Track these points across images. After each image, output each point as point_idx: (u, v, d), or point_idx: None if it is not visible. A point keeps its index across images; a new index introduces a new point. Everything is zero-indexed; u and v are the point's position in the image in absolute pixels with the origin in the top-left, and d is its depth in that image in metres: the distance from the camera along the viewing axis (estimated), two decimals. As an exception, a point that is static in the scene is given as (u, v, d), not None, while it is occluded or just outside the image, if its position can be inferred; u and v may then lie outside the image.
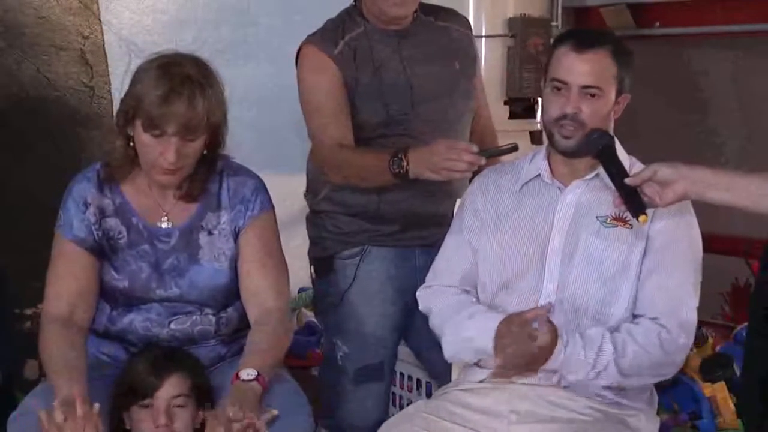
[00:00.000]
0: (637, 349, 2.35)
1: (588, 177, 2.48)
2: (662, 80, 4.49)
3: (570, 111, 2.40)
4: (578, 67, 2.41)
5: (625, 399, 2.42)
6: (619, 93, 2.45)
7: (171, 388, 2.36)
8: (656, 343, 2.36)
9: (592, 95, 2.41)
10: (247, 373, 2.30)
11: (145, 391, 2.35)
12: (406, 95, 2.83)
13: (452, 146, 2.54)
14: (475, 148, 2.52)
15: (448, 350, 2.50)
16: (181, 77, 2.36)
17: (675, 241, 2.43)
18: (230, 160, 2.56)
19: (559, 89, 2.43)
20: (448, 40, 2.93)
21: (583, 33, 2.57)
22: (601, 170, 2.41)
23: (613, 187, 2.33)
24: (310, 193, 3.00)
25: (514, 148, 2.56)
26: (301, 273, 3.06)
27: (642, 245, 2.42)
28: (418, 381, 3.34)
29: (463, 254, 2.58)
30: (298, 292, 4.05)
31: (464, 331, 2.46)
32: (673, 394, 3.11)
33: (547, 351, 2.32)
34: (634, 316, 2.42)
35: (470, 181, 2.71)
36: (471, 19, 3.22)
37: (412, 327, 2.94)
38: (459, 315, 2.49)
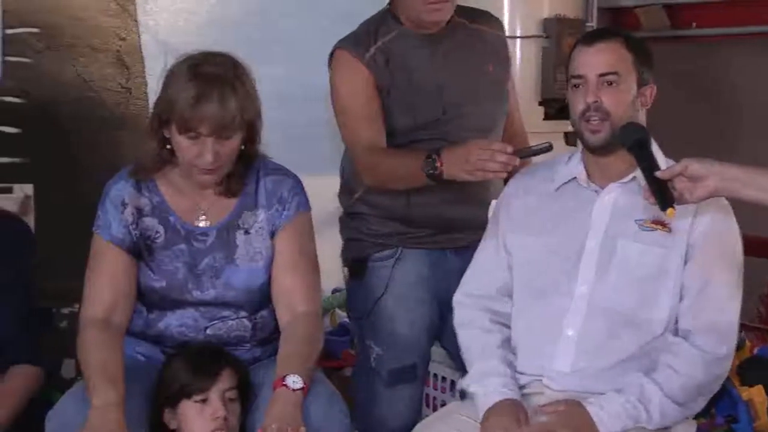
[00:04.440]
0: (684, 380, 2.33)
1: (625, 180, 2.47)
2: (698, 82, 4.46)
3: (590, 100, 2.40)
4: (591, 58, 2.42)
5: None
6: (641, 83, 2.44)
7: (224, 382, 2.39)
8: (700, 367, 2.35)
9: (610, 83, 2.41)
10: (293, 381, 2.31)
11: (201, 386, 2.37)
12: (440, 99, 2.82)
13: (486, 146, 2.53)
14: (509, 149, 2.52)
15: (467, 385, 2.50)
16: (211, 77, 2.37)
17: (716, 245, 2.41)
18: (267, 159, 2.57)
19: (577, 86, 2.43)
20: (482, 43, 2.92)
21: (595, 30, 2.57)
22: (638, 173, 2.39)
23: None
24: (345, 194, 3.01)
25: (549, 148, 2.55)
26: (334, 274, 3.07)
27: (681, 249, 2.40)
28: (452, 382, 3.33)
29: (498, 259, 2.57)
30: (332, 293, 4.06)
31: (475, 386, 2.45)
32: (711, 399, 3.09)
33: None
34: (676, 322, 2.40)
35: (505, 183, 2.71)
36: (505, 20, 3.23)
37: (446, 328, 2.94)
38: (479, 363, 2.48)
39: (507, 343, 2.50)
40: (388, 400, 2.94)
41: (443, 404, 3.18)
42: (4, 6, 3.74)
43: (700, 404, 2.42)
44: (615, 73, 2.41)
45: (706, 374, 2.36)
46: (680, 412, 2.36)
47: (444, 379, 3.36)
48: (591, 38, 2.46)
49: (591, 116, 2.41)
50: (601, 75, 2.40)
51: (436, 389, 3.39)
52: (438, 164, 2.57)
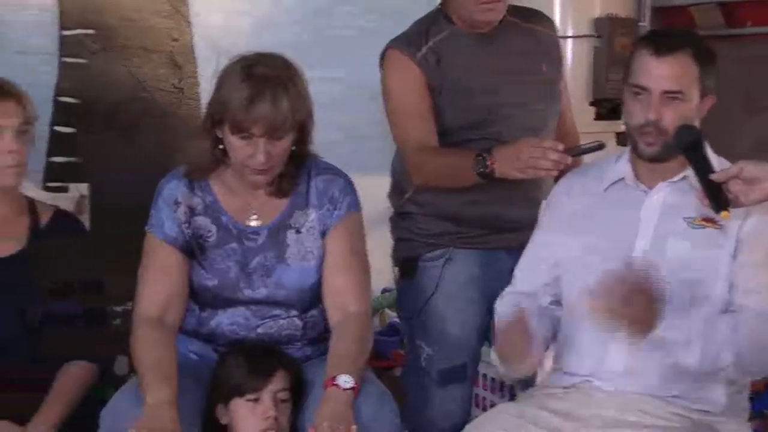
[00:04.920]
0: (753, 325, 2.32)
1: (675, 179, 2.45)
2: (753, 82, 4.40)
3: (652, 118, 2.37)
4: (658, 73, 2.36)
5: (709, 405, 2.39)
6: (703, 95, 2.41)
7: (277, 382, 2.40)
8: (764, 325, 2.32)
9: (674, 98, 2.37)
10: (345, 381, 2.32)
11: (254, 386, 2.39)
12: (492, 99, 2.82)
13: (538, 144, 2.52)
14: (561, 146, 2.51)
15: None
16: (264, 78, 2.38)
17: (766, 242, 2.39)
18: (319, 159, 2.58)
19: (639, 94, 2.40)
20: (534, 43, 2.91)
21: (663, 36, 2.51)
22: (689, 172, 2.37)
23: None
24: (395, 194, 3.02)
25: (600, 146, 2.54)
26: (384, 274, 3.07)
27: (731, 246, 2.38)
28: (502, 383, 3.33)
29: (545, 257, 2.56)
30: (381, 293, 4.07)
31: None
32: (765, 400, 3.06)
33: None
34: None
35: (555, 182, 2.70)
36: (557, 19, 3.21)
37: (496, 328, 2.94)
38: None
39: (544, 321, 2.49)
40: (438, 399, 2.94)
41: (492, 405, 3.18)
42: (61, 8, 3.80)
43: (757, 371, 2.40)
44: (680, 92, 2.37)
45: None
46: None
47: (493, 379, 3.36)
48: (657, 47, 2.38)
49: (649, 131, 2.39)
50: (666, 92, 2.37)
51: (485, 389, 3.39)
52: (489, 162, 2.57)
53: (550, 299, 2.55)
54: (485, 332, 2.96)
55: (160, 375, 2.34)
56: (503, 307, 2.58)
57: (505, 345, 2.40)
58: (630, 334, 2.28)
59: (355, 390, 2.33)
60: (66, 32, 3.81)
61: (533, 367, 2.49)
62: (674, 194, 2.44)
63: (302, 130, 2.48)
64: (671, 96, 2.37)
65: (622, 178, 2.50)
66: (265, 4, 4.00)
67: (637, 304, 2.23)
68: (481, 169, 2.59)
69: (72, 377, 2.53)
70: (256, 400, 2.39)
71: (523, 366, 2.43)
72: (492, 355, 2.56)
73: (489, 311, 2.89)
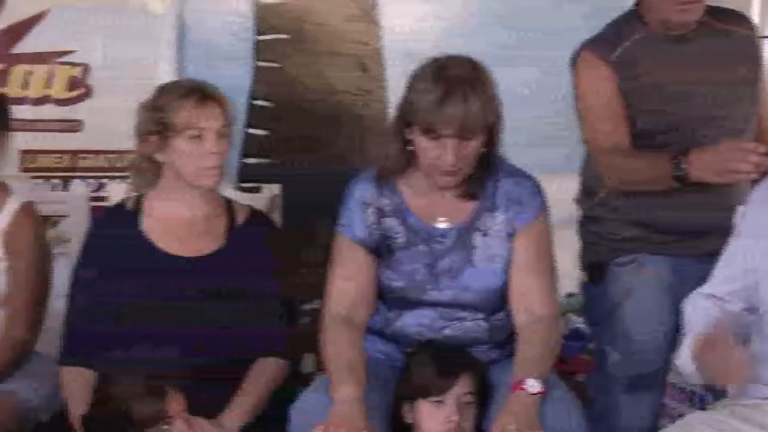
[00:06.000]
0: None
1: None
2: None
3: None
4: None
5: None
6: None
7: (461, 386, 2.41)
8: None
9: None
10: (532, 385, 2.31)
11: (439, 389, 2.40)
12: (687, 102, 2.76)
13: (737, 147, 2.45)
14: (762, 149, 2.43)
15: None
16: (455, 80, 2.39)
17: None
18: (506, 161, 2.57)
19: None
20: (731, 44, 2.83)
21: None
22: None
23: None
24: (585, 197, 2.98)
25: None
26: (568, 277, 3.04)
27: None
28: (692, 392, 3.24)
29: (743, 264, 2.47)
30: (566, 297, 4.02)
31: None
32: None
33: None
34: None
35: (753, 185, 2.61)
36: (756, 19, 3.11)
37: (686, 337, 2.87)
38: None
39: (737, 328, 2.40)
40: (626, 407, 2.89)
41: (680, 415, 3.09)
42: (256, 14, 3.92)
43: None
44: None
45: None
46: None
47: (683, 389, 3.27)
48: None
49: None
50: None
51: (674, 399, 3.31)
52: (685, 166, 2.51)
53: (743, 306, 2.47)
54: (675, 340, 2.90)
55: (349, 373, 2.38)
56: (695, 312, 2.50)
57: (708, 357, 2.31)
58: None
59: (542, 394, 2.31)
60: (260, 37, 3.93)
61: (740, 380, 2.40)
62: None
63: (491, 132, 2.48)
64: None
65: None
66: (455, 7, 4.01)
67: None
68: (678, 173, 2.53)
69: (263, 374, 2.58)
70: (439, 403, 2.40)
71: (726, 380, 2.35)
72: (678, 362, 2.49)
73: (679, 318, 2.83)
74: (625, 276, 2.85)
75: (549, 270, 2.55)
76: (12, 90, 3.77)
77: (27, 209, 2.83)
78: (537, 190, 2.57)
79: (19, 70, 3.83)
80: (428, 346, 2.51)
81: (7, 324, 2.75)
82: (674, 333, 2.87)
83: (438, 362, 2.43)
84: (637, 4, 2.85)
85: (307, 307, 3.16)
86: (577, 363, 3.76)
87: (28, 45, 3.84)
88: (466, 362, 2.46)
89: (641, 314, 2.84)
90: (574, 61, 2.84)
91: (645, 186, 2.72)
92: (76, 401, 2.50)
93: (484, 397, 2.45)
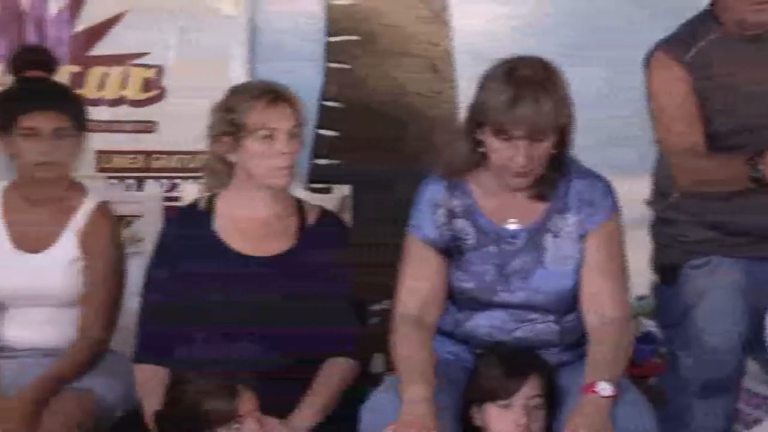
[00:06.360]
0: None
1: None
2: None
3: None
4: None
5: None
6: None
7: (529, 389, 2.39)
8: None
9: None
10: (603, 388, 2.30)
11: (506, 392, 2.39)
12: (762, 103, 2.73)
13: None
14: None
15: None
16: (526, 80, 2.38)
17: None
18: (577, 162, 2.56)
19: None
20: (808, 43, 2.79)
21: None
22: None
23: None
24: (657, 199, 2.95)
25: None
26: (639, 280, 3.01)
27: None
28: (766, 398, 3.19)
29: None
30: (637, 300, 3.98)
31: None
32: None
33: None
34: None
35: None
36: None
37: (760, 341, 2.82)
38: None
39: None
40: (700, 412, 2.86)
41: (756, 421, 3.05)
42: (328, 15, 3.95)
43: None
44: None
45: None
46: None
47: (757, 394, 3.22)
48: None
49: None
50: None
51: (748, 404, 3.26)
52: (762, 167, 2.48)
53: None
54: (750, 344, 2.86)
55: (419, 373, 2.37)
56: None
57: None
58: None
59: (614, 398, 2.29)
60: (331, 38, 3.96)
61: None
62: None
63: (563, 133, 2.46)
64: None
65: None
66: (526, 7, 4.00)
67: None
68: (755, 174, 2.50)
69: (333, 374, 2.59)
70: (507, 406, 2.40)
71: None
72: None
73: (755, 322, 2.79)
74: (699, 279, 2.82)
75: (620, 272, 2.53)
76: (89, 91, 3.84)
77: (103, 209, 2.88)
78: (609, 191, 2.55)
79: (96, 71, 3.91)
80: (497, 348, 2.50)
81: (83, 323, 2.80)
82: (749, 338, 2.83)
83: (506, 365, 2.42)
84: (712, 4, 2.82)
85: (376, 307, 3.17)
86: (649, 366, 3.72)
87: (104, 47, 3.91)
88: (534, 364, 2.44)
89: (714, 317, 2.81)
90: (648, 62, 2.82)
91: (719, 187, 2.69)
92: (150, 399, 2.54)
93: (553, 400, 2.43)
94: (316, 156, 3.94)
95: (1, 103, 2.86)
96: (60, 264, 2.82)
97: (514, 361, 2.43)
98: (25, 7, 3.89)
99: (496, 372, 2.42)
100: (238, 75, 3.83)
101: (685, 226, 2.85)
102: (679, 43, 2.78)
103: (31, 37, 3.87)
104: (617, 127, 3.91)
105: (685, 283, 2.84)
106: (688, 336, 2.84)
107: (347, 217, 3.38)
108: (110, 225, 2.88)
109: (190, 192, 3.15)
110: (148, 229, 3.21)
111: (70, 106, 2.85)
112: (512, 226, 2.53)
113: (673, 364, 2.92)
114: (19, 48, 3.34)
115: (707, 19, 2.80)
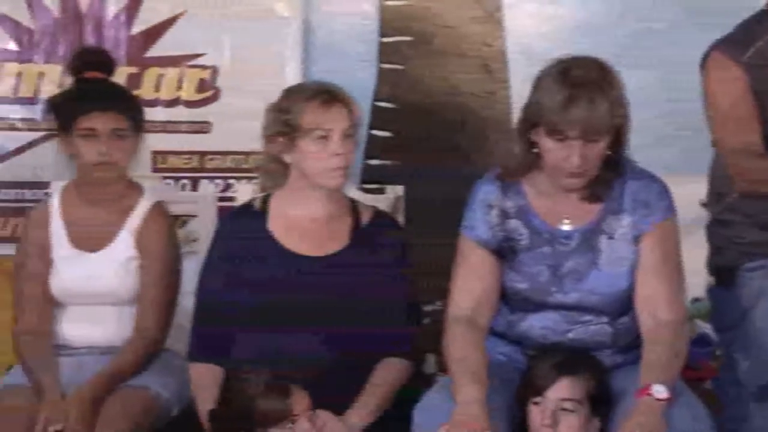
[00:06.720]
0: None
1: None
2: None
3: None
4: None
5: None
6: None
7: (560, 391, 2.38)
8: None
9: None
10: (658, 390, 2.28)
11: (537, 389, 2.39)
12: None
13: None
14: None
15: None
16: (581, 81, 2.37)
17: None
18: (633, 162, 2.54)
19: None
20: None
21: None
22: None
23: None
24: (714, 200, 2.93)
25: None
26: (694, 282, 2.98)
27: None
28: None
29: None
30: (692, 302, 3.94)
31: None
32: None
33: None
34: None
35: None
36: None
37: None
38: None
39: None
40: (757, 416, 2.82)
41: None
42: (382, 16, 3.96)
43: None
44: None
45: None
46: None
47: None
48: None
49: None
50: None
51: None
52: None
53: None
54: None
55: (472, 374, 2.37)
56: None
57: None
58: None
59: (668, 400, 2.28)
60: (385, 39, 3.97)
61: None
62: None
63: (618, 134, 2.45)
64: None
65: None
66: (579, 8, 3.98)
67: None
68: None
69: (388, 374, 2.60)
70: (538, 404, 2.39)
71: None
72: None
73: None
74: (756, 281, 2.79)
75: (676, 274, 2.51)
76: (145, 92, 3.89)
77: (159, 209, 2.91)
78: (665, 192, 2.53)
79: (152, 72, 3.95)
80: (549, 349, 2.49)
81: (139, 321, 2.84)
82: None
83: (544, 365, 2.41)
84: (768, 4, 2.80)
85: (429, 308, 3.17)
86: (705, 369, 3.68)
87: (160, 49, 3.96)
88: (575, 367, 2.41)
89: (771, 322, 2.78)
90: (705, 62, 2.80)
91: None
92: (204, 397, 2.56)
93: (607, 403, 2.42)
94: (369, 156, 3.94)
95: (61, 104, 2.91)
96: (116, 263, 2.86)
97: (555, 361, 2.42)
98: (83, 9, 3.95)
99: (537, 369, 2.42)
100: (293, 76, 3.86)
101: (741, 227, 2.83)
102: (736, 43, 2.75)
103: (90, 39, 3.93)
104: (668, 126, 3.88)
105: (742, 286, 2.81)
106: (745, 339, 2.81)
107: (400, 217, 3.38)
108: (166, 225, 2.92)
109: (244, 192, 3.18)
110: (203, 229, 3.24)
111: (127, 106, 2.89)
112: (566, 226, 2.52)
113: (729, 368, 2.90)
114: (78, 49, 3.40)
115: (764, 19, 2.78)
